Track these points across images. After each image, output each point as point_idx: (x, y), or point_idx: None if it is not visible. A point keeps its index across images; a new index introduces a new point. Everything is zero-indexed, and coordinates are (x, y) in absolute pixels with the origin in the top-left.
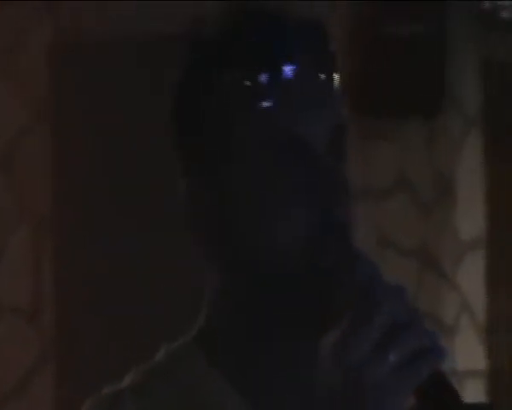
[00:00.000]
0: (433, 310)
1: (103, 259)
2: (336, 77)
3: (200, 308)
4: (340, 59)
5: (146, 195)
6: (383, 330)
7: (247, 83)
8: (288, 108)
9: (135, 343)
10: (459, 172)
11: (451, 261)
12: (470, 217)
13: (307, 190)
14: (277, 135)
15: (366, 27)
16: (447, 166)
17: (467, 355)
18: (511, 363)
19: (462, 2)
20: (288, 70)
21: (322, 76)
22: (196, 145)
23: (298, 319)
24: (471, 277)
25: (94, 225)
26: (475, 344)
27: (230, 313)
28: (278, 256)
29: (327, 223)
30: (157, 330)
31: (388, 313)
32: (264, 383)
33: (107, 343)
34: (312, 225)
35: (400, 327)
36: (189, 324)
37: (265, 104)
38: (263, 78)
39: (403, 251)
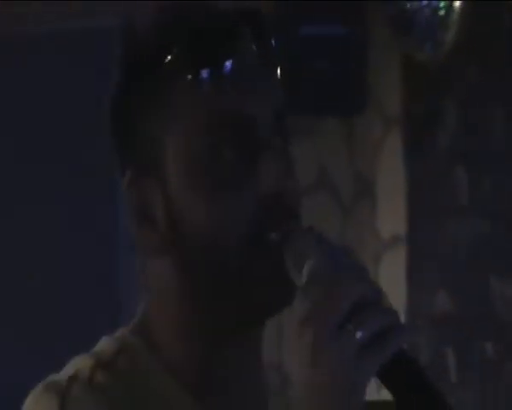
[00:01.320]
0: None
1: None
2: (277, 63)
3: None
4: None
5: None
6: (349, 308)
7: (189, 77)
8: (235, 92)
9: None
10: (379, 171)
11: (372, 260)
12: (390, 216)
13: (254, 172)
14: (226, 118)
15: (287, 28)
16: (367, 165)
17: None
18: (435, 357)
19: (383, 2)
20: (228, 63)
21: (265, 61)
22: (138, 140)
23: (246, 308)
24: (391, 275)
25: None
26: None
27: (175, 305)
28: (227, 241)
29: (276, 206)
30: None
31: (353, 291)
32: (207, 374)
33: None
34: (261, 207)
35: (366, 305)
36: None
37: (209, 92)
38: (204, 73)
39: None
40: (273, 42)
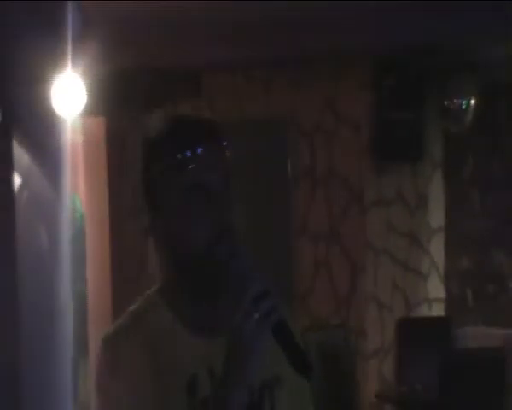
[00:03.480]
0: (416, 266)
1: None
2: (226, 147)
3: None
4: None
5: None
6: (251, 301)
7: (179, 156)
8: (198, 168)
9: None
10: (430, 191)
11: (426, 239)
12: (436, 215)
13: (208, 212)
14: (192, 180)
15: (381, 112)
16: (424, 188)
17: (433, 291)
18: (460, 291)
19: (433, 99)
20: (198, 150)
21: (217, 147)
22: (152, 197)
23: (206, 283)
24: (437, 247)
25: None
26: (438, 284)
27: (175, 280)
28: (194, 252)
29: (221, 232)
30: None
31: (253, 291)
32: (193, 313)
33: None
34: (212, 234)
35: (259, 299)
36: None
37: (187, 168)
38: (187, 153)
39: (400, 233)
40: (223, 139)
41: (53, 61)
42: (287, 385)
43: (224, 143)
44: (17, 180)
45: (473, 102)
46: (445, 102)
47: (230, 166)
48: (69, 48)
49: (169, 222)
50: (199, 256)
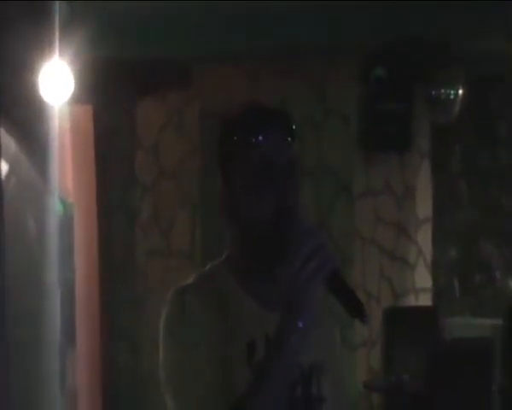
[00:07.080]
0: (403, 256)
1: None
2: (293, 136)
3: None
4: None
5: None
6: (307, 253)
7: (252, 140)
8: (266, 149)
9: None
10: (418, 182)
11: (414, 229)
12: (424, 206)
13: (275, 188)
14: (262, 159)
15: (369, 103)
16: (411, 179)
17: (421, 280)
18: (447, 281)
19: (421, 90)
20: (267, 132)
21: (286, 136)
22: (224, 169)
23: (269, 254)
24: (425, 238)
25: None
26: (426, 274)
27: (241, 251)
28: (260, 223)
29: (284, 205)
30: None
31: (309, 244)
32: (256, 283)
33: None
34: (276, 207)
35: (315, 251)
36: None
37: (257, 148)
38: (259, 137)
39: (388, 223)
40: (292, 126)
41: (40, 48)
42: (329, 374)
43: (292, 131)
44: (4, 167)
45: (460, 92)
46: (433, 93)
47: (294, 149)
48: (57, 35)
49: (237, 194)
50: (262, 229)
